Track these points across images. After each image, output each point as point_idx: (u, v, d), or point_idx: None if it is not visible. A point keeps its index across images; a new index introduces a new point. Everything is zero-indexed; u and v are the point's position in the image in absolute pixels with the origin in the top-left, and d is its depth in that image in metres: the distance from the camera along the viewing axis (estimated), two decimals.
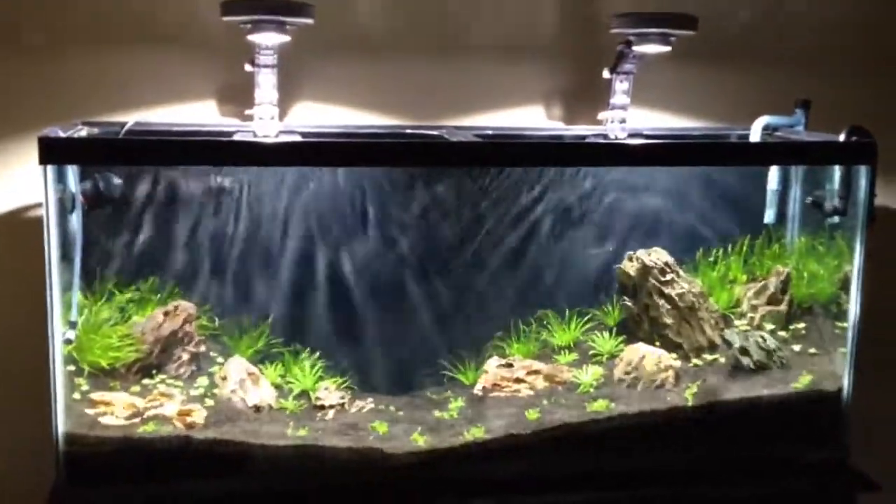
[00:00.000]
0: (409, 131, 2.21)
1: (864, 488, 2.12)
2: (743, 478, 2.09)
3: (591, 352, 2.20)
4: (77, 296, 1.92)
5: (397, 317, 2.21)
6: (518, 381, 2.14)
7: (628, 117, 2.26)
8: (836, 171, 2.13)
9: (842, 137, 2.06)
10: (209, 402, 1.98)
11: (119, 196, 2.00)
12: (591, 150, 2.13)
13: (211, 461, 1.90)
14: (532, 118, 2.36)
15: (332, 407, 2.06)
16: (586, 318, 2.23)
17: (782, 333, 2.23)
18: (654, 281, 2.19)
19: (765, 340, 2.18)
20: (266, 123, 2.05)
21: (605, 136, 2.26)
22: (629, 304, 2.22)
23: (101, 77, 2.16)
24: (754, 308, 2.26)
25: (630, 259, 2.22)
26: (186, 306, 2.06)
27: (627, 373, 2.13)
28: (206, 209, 2.10)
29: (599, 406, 2.05)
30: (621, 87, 2.23)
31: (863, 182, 2.08)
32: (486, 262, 2.23)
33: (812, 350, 2.21)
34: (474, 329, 2.22)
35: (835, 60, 2.45)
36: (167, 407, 1.94)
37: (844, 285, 2.16)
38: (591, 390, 2.11)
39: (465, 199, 2.22)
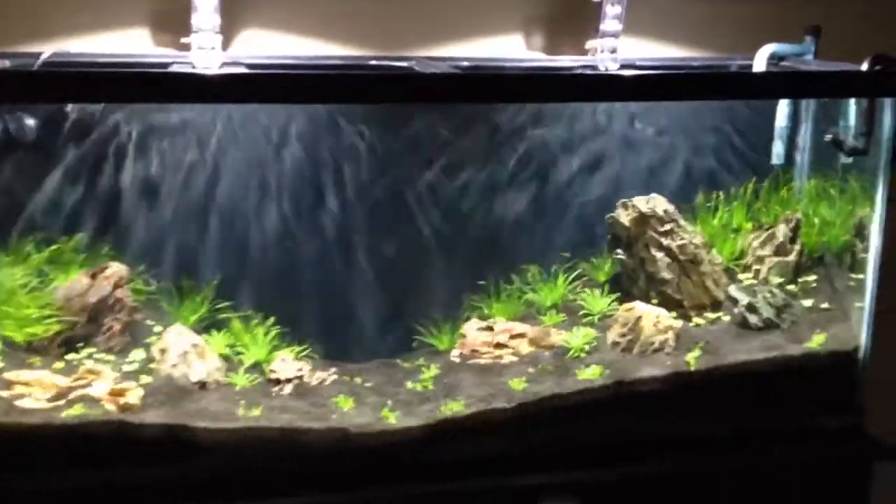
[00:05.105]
0: (373, 63, 2.10)
1: (881, 456, 2.07)
2: (751, 447, 2.02)
3: (581, 312, 2.11)
4: None
5: (362, 274, 2.11)
6: (500, 346, 2.06)
7: (619, 46, 2.17)
8: (852, 105, 2.03)
9: (864, 67, 1.95)
10: (146, 378, 1.88)
11: (33, 140, 1.90)
12: (581, 84, 1.98)
13: (150, 448, 1.79)
14: (511, 48, 2.24)
15: (289, 380, 1.95)
16: (574, 274, 2.15)
17: (791, 287, 2.16)
18: (651, 231, 2.10)
19: (774, 296, 2.10)
20: (207, 54, 1.93)
21: (594, 68, 2.17)
22: (623, 257, 2.12)
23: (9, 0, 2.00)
24: (760, 259, 2.18)
25: (625, 207, 2.12)
26: (117, 268, 1.96)
27: (622, 335, 2.04)
28: (136, 155, 1.98)
29: (592, 373, 1.97)
30: (612, 11, 2.14)
31: (887, 118, 1.98)
32: (462, 211, 2.13)
33: (824, 305, 2.14)
34: (449, 287, 2.13)
35: None
36: (96, 386, 1.83)
37: (860, 232, 2.09)
38: (583, 355, 2.02)
39: (437, 141, 2.10)
